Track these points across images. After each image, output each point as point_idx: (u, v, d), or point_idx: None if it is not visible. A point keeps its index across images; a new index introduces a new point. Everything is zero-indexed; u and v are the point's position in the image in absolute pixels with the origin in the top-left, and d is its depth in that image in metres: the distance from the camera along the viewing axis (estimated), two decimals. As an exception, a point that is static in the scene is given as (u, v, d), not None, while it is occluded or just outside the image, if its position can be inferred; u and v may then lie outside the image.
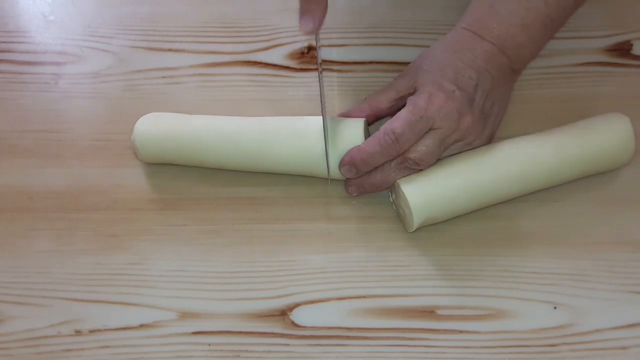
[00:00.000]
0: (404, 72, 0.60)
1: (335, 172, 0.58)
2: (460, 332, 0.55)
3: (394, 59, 0.68)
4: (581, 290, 0.57)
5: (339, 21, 0.70)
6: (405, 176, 0.57)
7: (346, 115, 0.60)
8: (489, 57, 0.56)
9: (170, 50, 0.69)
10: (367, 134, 0.59)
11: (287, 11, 0.71)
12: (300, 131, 0.58)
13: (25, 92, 0.67)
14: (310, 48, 0.68)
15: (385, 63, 0.68)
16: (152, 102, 0.65)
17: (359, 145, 0.56)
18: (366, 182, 0.58)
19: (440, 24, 0.69)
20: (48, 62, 0.68)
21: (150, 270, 0.58)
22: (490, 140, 0.59)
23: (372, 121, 0.60)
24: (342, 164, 0.57)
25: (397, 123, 0.55)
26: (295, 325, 0.55)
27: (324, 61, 0.68)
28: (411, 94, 0.57)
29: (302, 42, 0.69)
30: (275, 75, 0.67)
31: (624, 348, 0.54)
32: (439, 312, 0.56)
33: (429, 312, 0.56)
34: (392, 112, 0.57)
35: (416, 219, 0.56)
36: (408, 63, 0.61)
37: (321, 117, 0.58)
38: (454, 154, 0.58)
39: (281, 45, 0.69)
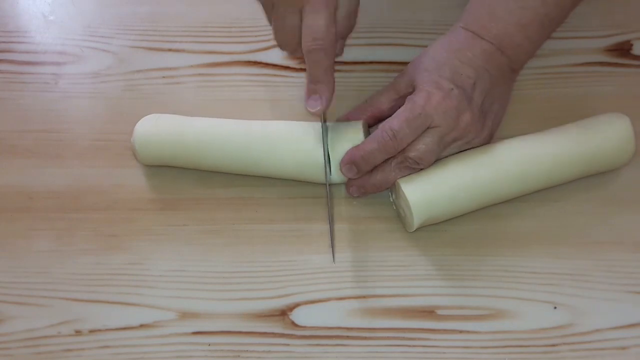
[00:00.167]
0: (403, 72, 0.60)
1: (335, 176, 0.58)
2: (460, 332, 0.55)
3: (394, 59, 0.68)
4: (581, 290, 0.57)
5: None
6: (405, 176, 0.57)
7: (347, 117, 0.60)
8: (487, 56, 0.57)
9: (170, 50, 0.69)
10: (367, 136, 0.59)
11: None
12: (299, 137, 0.58)
13: (25, 92, 0.67)
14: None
15: (385, 63, 0.68)
16: (152, 102, 0.65)
17: (358, 144, 0.56)
18: (367, 183, 0.58)
19: (440, 24, 0.69)
20: (48, 62, 0.68)
21: (150, 270, 0.58)
22: (490, 139, 0.59)
23: (374, 122, 0.60)
24: (342, 163, 0.57)
25: (394, 120, 0.55)
26: (295, 325, 0.55)
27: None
28: (410, 93, 0.57)
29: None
30: (275, 75, 0.67)
31: (623, 348, 0.54)
32: (439, 312, 0.56)
33: (429, 312, 0.56)
34: (392, 112, 0.57)
35: (416, 219, 0.56)
36: (408, 63, 0.61)
37: (318, 123, 0.58)
38: (453, 154, 0.58)
39: (281, 45, 0.69)
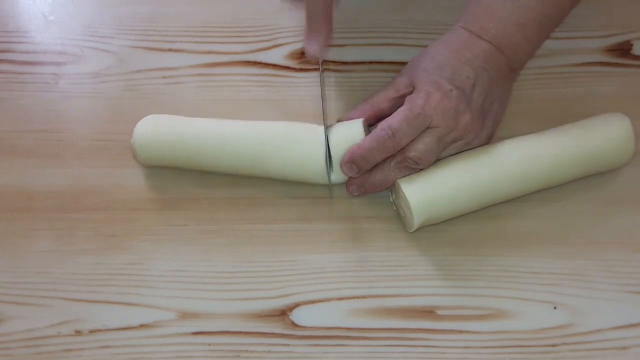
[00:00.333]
0: (403, 71, 0.60)
1: (335, 175, 0.58)
2: (460, 332, 0.55)
3: (394, 59, 0.68)
4: (581, 290, 0.57)
5: (339, 21, 0.70)
6: (404, 176, 0.57)
7: (347, 118, 0.60)
8: (486, 56, 0.57)
9: (170, 50, 0.69)
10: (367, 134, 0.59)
11: (287, 11, 0.71)
12: (299, 139, 0.58)
13: (25, 92, 0.67)
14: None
15: (385, 63, 0.68)
16: (152, 102, 0.65)
17: (358, 143, 0.56)
18: (366, 182, 0.58)
19: (440, 24, 0.69)
20: (48, 62, 0.68)
21: (150, 270, 0.58)
22: (489, 139, 0.59)
23: (374, 122, 0.60)
24: (343, 162, 0.57)
25: (394, 119, 0.55)
26: (295, 325, 0.55)
27: (324, 61, 0.68)
28: (410, 92, 0.57)
29: (302, 42, 0.69)
30: (275, 75, 0.67)
31: (624, 348, 0.54)
32: (439, 312, 0.56)
33: (429, 312, 0.56)
34: (392, 112, 0.57)
35: (416, 220, 0.56)
36: (408, 63, 0.61)
37: (321, 124, 0.59)
38: (453, 154, 0.58)
39: (281, 45, 0.69)
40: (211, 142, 0.59)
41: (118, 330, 0.55)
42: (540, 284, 0.57)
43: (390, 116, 0.56)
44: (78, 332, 0.55)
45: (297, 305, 0.56)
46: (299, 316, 0.56)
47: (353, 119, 0.59)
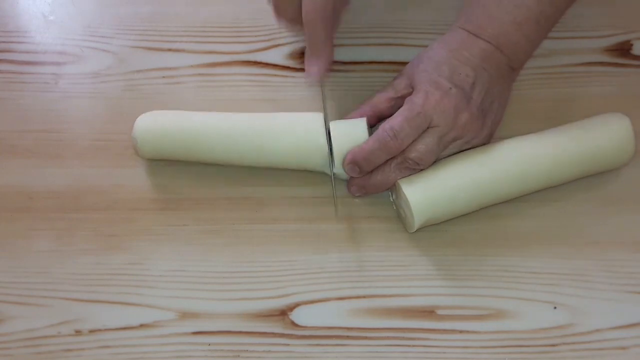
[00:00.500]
0: (402, 72, 0.60)
1: (337, 171, 0.58)
2: (460, 332, 0.55)
3: (394, 59, 0.68)
4: (581, 290, 0.57)
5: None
6: (405, 177, 0.57)
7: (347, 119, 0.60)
8: (485, 55, 0.57)
9: (170, 50, 0.69)
10: (370, 134, 0.59)
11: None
12: (301, 125, 0.58)
13: (25, 92, 0.67)
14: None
15: (385, 63, 0.68)
16: (152, 102, 0.65)
17: (360, 144, 0.56)
18: (367, 183, 0.58)
19: (440, 24, 0.69)
20: (48, 62, 0.68)
21: (150, 270, 0.58)
22: (489, 139, 0.59)
23: (374, 123, 0.60)
24: (345, 163, 0.57)
25: (395, 120, 0.55)
26: (295, 325, 0.55)
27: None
28: (409, 93, 0.57)
29: (302, 42, 0.69)
30: (275, 75, 0.67)
31: (623, 348, 0.54)
32: (439, 312, 0.56)
33: (429, 312, 0.56)
34: (392, 112, 0.57)
35: (417, 220, 0.56)
36: (408, 63, 0.61)
37: (321, 113, 0.59)
38: (453, 154, 0.58)
39: (281, 45, 0.69)
40: (212, 132, 0.59)
41: (118, 330, 0.55)
42: (540, 284, 0.57)
43: (391, 117, 0.56)
44: (78, 332, 0.55)
45: (297, 305, 0.56)
46: (299, 316, 0.56)
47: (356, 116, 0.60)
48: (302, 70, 0.67)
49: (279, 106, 0.65)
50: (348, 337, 0.55)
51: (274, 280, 0.57)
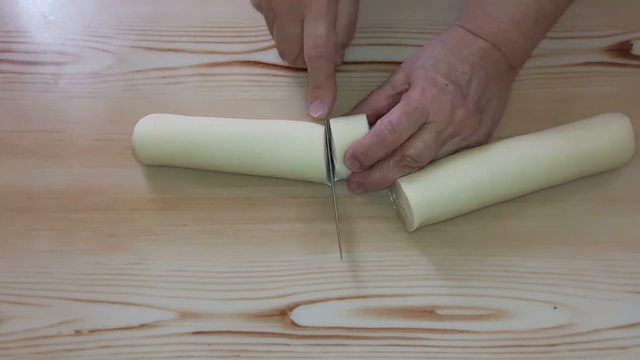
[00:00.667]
0: (400, 69, 0.60)
1: (339, 167, 0.58)
2: (460, 332, 0.55)
3: (394, 59, 0.68)
4: (581, 290, 0.57)
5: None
6: (404, 175, 0.57)
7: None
8: (483, 53, 0.57)
9: (170, 50, 0.69)
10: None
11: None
12: (301, 136, 0.58)
13: (25, 92, 0.67)
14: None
15: (385, 63, 0.68)
16: (152, 102, 0.65)
17: (360, 139, 0.57)
18: (367, 180, 0.58)
19: (439, 24, 0.69)
20: (48, 62, 0.68)
21: (150, 270, 0.58)
22: (488, 137, 0.59)
23: (373, 120, 0.60)
24: (346, 157, 0.57)
25: (392, 114, 0.55)
26: (295, 325, 0.55)
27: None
28: (406, 89, 0.57)
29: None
30: (275, 75, 0.67)
31: (623, 348, 0.54)
32: (439, 312, 0.56)
33: (429, 312, 0.56)
34: (390, 109, 0.57)
35: (417, 219, 0.56)
36: (404, 61, 0.61)
37: (320, 124, 0.59)
38: (452, 153, 0.58)
39: (281, 45, 0.69)
40: (211, 141, 0.59)
41: (118, 330, 0.55)
42: (540, 284, 0.57)
43: (389, 112, 0.56)
44: (78, 332, 0.55)
45: (297, 305, 0.56)
46: (299, 316, 0.56)
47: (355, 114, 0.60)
48: (302, 70, 0.67)
49: (279, 106, 0.65)
50: (348, 337, 0.55)
51: (274, 280, 0.57)
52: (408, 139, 0.56)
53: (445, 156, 0.58)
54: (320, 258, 0.58)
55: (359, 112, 0.60)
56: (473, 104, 0.56)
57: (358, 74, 0.67)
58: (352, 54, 0.68)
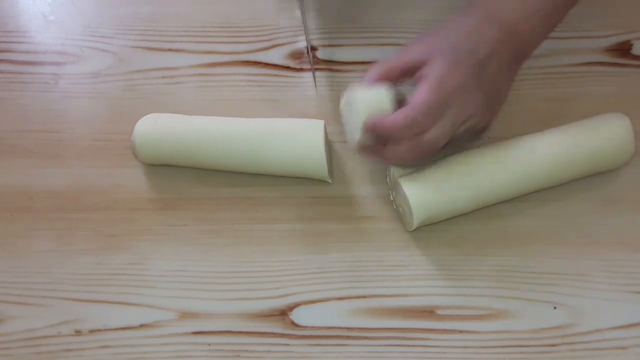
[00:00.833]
0: (419, 40, 0.58)
1: (353, 137, 0.56)
2: (460, 332, 0.55)
3: (394, 59, 0.67)
4: (581, 290, 0.57)
5: (339, 21, 0.70)
6: (416, 157, 0.55)
7: (367, 77, 0.57)
8: (501, 38, 0.56)
9: (170, 50, 0.69)
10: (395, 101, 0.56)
11: (287, 11, 0.71)
12: (300, 132, 0.58)
13: (25, 92, 0.67)
14: (310, 48, 0.68)
15: (385, 63, 0.67)
16: (152, 102, 0.65)
17: (385, 117, 0.54)
18: (379, 153, 0.56)
19: (440, 24, 0.69)
20: (48, 62, 0.68)
21: (150, 270, 0.58)
22: (492, 122, 0.58)
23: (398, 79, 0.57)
24: (365, 128, 0.55)
25: (416, 108, 0.53)
26: (295, 325, 0.55)
27: (324, 61, 0.68)
28: (423, 63, 0.55)
29: (302, 42, 0.69)
30: (275, 75, 0.67)
31: (623, 348, 0.54)
32: (439, 312, 0.56)
33: (429, 312, 0.56)
34: (403, 77, 0.56)
35: (416, 218, 0.56)
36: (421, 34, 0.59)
37: (320, 120, 0.59)
38: (452, 154, 0.58)
39: (281, 45, 0.69)
40: (210, 139, 0.59)
41: (118, 330, 0.55)
42: (540, 284, 0.57)
43: (412, 103, 0.54)
44: (78, 332, 0.55)
45: (297, 305, 0.56)
46: (299, 316, 0.56)
47: (370, 80, 0.57)
48: (302, 70, 0.67)
49: (279, 106, 0.65)
50: (348, 337, 0.55)
51: (274, 280, 0.57)
52: None
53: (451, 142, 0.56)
54: (320, 258, 0.58)
55: (374, 77, 0.57)
56: (488, 91, 0.55)
57: (358, 74, 0.67)
58: (352, 54, 0.68)
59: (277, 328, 0.55)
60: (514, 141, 0.58)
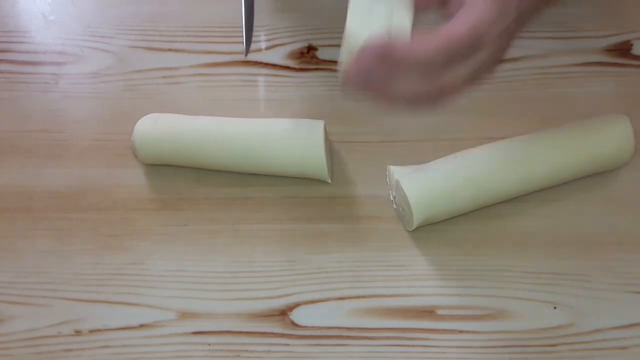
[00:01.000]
0: None
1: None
2: (460, 332, 0.55)
3: (394, 59, 0.67)
4: (581, 290, 0.57)
5: (339, 21, 0.70)
6: (424, 104, 0.47)
7: None
8: None
9: (170, 50, 0.69)
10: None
11: (287, 11, 0.71)
12: (300, 132, 0.58)
13: (25, 92, 0.67)
14: (310, 48, 0.68)
15: (385, 63, 0.67)
16: (152, 102, 0.65)
17: (421, 39, 0.45)
18: (382, 88, 0.46)
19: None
20: (48, 62, 0.68)
21: (150, 270, 0.58)
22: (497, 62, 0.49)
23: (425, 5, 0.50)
24: (373, 45, 0.44)
25: (479, 16, 0.45)
26: (295, 325, 0.55)
27: (324, 61, 0.68)
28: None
29: (302, 42, 0.69)
30: (275, 75, 0.67)
31: (624, 348, 0.54)
32: (439, 312, 0.56)
33: (429, 312, 0.56)
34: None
35: (416, 218, 0.56)
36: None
37: (320, 120, 0.59)
38: (453, 158, 0.57)
39: (281, 45, 0.69)
40: (210, 139, 0.59)
41: (118, 330, 0.55)
42: (540, 284, 0.57)
43: (452, 29, 0.45)
44: (78, 332, 0.55)
45: (297, 305, 0.56)
46: (299, 316, 0.56)
47: None
48: (302, 70, 0.67)
49: (279, 106, 0.65)
50: (348, 337, 0.55)
51: (274, 280, 0.57)
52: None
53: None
54: (320, 258, 0.58)
55: None
56: (510, 32, 0.47)
57: (358, 74, 0.67)
58: (352, 54, 0.68)
59: (277, 328, 0.55)
60: (514, 141, 0.58)
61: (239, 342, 0.55)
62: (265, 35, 0.70)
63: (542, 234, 0.59)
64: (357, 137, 0.63)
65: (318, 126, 0.58)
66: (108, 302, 0.57)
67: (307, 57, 0.68)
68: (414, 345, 0.55)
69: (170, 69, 0.68)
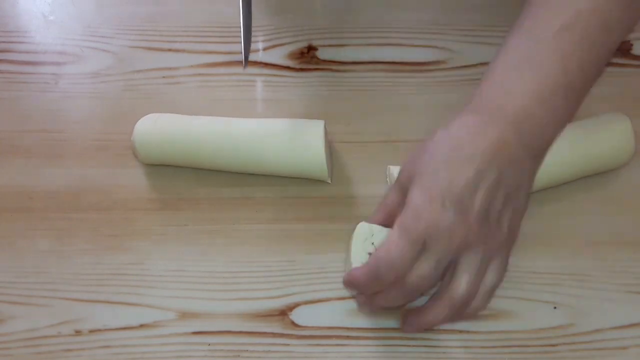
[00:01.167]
0: (404, 167, 0.52)
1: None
2: (460, 332, 0.55)
3: (393, 59, 0.67)
4: (581, 290, 0.57)
5: (339, 21, 0.70)
6: (410, 302, 0.52)
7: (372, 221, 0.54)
8: (498, 146, 0.48)
9: (170, 50, 0.69)
10: None
11: (287, 11, 0.71)
12: (299, 132, 0.58)
13: (25, 92, 0.67)
14: (310, 48, 0.68)
15: (385, 63, 0.68)
16: (152, 102, 0.65)
17: (357, 271, 0.49)
18: (371, 303, 0.52)
19: (440, 24, 0.69)
20: (48, 62, 0.68)
21: (150, 270, 0.58)
22: (513, 240, 0.51)
23: (392, 222, 0.50)
24: (343, 283, 0.51)
25: (389, 250, 0.48)
26: (295, 325, 0.55)
27: (324, 61, 0.68)
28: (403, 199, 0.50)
29: (302, 42, 0.69)
30: (275, 75, 0.67)
31: (624, 348, 0.54)
32: (439, 312, 0.56)
33: (429, 312, 0.56)
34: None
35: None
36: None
37: (320, 120, 0.59)
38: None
39: (281, 45, 0.69)
40: (210, 139, 0.59)
41: (118, 330, 0.55)
42: (540, 284, 0.57)
43: (385, 244, 0.48)
44: (78, 332, 0.55)
45: (297, 305, 0.56)
46: (299, 316, 0.56)
47: (374, 222, 0.54)
48: (302, 70, 0.67)
49: (279, 106, 0.65)
50: (348, 337, 0.55)
51: (274, 280, 0.57)
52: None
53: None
54: (320, 258, 0.58)
55: (377, 220, 0.53)
56: (477, 218, 0.47)
57: (358, 74, 0.67)
58: (352, 53, 0.68)
59: (277, 328, 0.55)
60: (514, 141, 0.58)
61: (239, 342, 0.55)
62: (265, 35, 0.70)
63: (542, 234, 0.59)
64: (357, 137, 0.63)
65: (318, 126, 0.58)
66: (108, 302, 0.57)
67: (307, 57, 0.68)
68: (414, 345, 0.55)
69: (170, 69, 0.68)
